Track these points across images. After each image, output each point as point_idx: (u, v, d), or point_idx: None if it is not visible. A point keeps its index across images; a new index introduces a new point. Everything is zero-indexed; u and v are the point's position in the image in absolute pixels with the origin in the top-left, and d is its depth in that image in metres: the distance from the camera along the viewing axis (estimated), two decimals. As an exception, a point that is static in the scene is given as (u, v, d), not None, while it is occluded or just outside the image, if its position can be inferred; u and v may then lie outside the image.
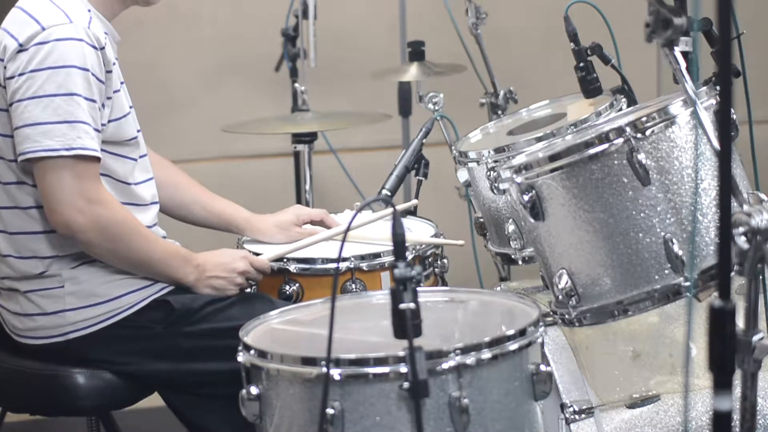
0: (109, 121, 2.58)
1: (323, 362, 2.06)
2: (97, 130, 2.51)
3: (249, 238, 2.98)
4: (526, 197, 2.41)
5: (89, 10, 2.59)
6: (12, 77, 2.49)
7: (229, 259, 2.69)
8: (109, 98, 2.56)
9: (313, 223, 2.99)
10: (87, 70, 2.49)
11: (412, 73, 3.81)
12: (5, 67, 2.51)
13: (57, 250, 2.59)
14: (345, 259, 2.75)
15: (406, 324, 1.94)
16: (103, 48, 2.54)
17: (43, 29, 2.49)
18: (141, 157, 2.70)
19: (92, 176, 2.51)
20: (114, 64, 2.59)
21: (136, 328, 2.62)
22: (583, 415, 2.54)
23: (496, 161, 2.76)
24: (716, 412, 1.65)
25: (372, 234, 2.90)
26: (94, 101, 2.50)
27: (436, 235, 2.95)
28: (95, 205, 2.49)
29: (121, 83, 2.64)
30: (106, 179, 2.59)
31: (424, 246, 2.87)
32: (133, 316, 2.61)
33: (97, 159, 2.51)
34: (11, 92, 2.50)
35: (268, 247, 2.89)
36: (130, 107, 2.66)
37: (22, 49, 2.49)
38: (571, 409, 2.53)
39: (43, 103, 2.46)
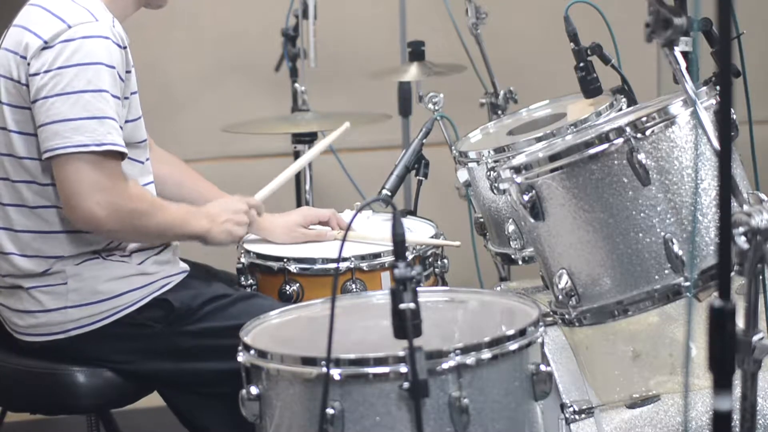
0: (126, 122, 2.58)
1: (323, 362, 2.06)
2: (121, 127, 2.53)
3: (251, 236, 2.98)
4: (526, 197, 2.42)
5: (107, 10, 2.60)
6: (36, 74, 2.49)
7: (229, 202, 2.78)
8: (126, 98, 2.58)
9: (321, 223, 2.99)
10: (113, 67, 2.50)
11: (412, 73, 3.81)
12: (28, 64, 2.51)
13: (62, 251, 2.59)
14: (345, 259, 2.75)
15: (406, 324, 1.94)
16: (126, 47, 2.56)
17: (69, 27, 2.50)
18: (146, 159, 2.71)
19: (115, 171, 2.52)
20: (133, 66, 2.60)
21: (136, 326, 2.62)
22: (583, 415, 2.54)
23: (496, 161, 2.76)
24: (716, 412, 1.65)
25: (372, 234, 2.90)
26: (118, 98, 2.52)
27: (435, 236, 2.95)
28: (115, 197, 2.50)
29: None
30: None
31: (421, 246, 2.87)
32: (134, 314, 2.62)
33: (124, 155, 2.53)
34: (36, 89, 2.49)
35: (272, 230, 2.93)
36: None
37: (47, 46, 2.49)
38: (571, 409, 2.53)
39: (72, 100, 2.47)
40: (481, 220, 2.98)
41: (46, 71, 2.48)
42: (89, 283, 2.60)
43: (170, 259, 2.72)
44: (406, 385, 1.99)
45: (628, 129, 2.32)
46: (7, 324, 2.69)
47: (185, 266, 2.74)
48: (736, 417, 1.72)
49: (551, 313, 2.52)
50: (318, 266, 2.80)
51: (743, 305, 1.74)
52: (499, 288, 2.93)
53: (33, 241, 2.59)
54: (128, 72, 2.57)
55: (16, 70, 2.54)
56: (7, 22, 2.67)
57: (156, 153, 2.91)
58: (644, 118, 2.33)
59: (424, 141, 3.16)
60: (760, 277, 1.74)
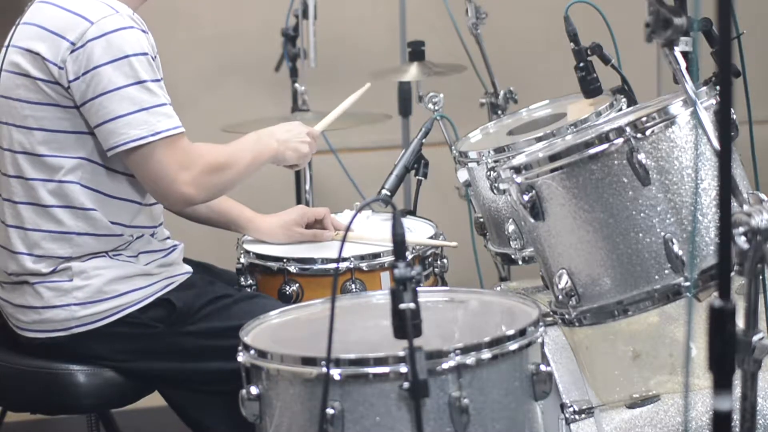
0: None
1: (323, 362, 2.06)
2: (171, 105, 2.56)
3: (250, 237, 2.99)
4: (526, 197, 2.41)
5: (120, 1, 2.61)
6: (76, 78, 2.50)
7: (293, 124, 2.82)
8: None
9: (317, 222, 2.99)
10: (146, 54, 2.53)
11: (412, 73, 3.81)
12: (60, 68, 2.51)
13: (72, 252, 2.59)
14: (345, 259, 2.75)
15: (406, 324, 1.94)
16: (148, 33, 2.58)
17: (92, 23, 2.50)
18: None
19: (183, 146, 2.56)
20: (156, 52, 2.61)
21: (138, 325, 2.62)
22: (583, 415, 2.54)
23: (496, 161, 2.76)
24: (716, 412, 1.65)
25: (371, 234, 2.90)
26: (159, 80, 2.55)
27: (434, 236, 2.95)
28: (196, 170, 2.55)
29: None
30: (128, 178, 2.61)
31: (420, 247, 2.87)
32: (137, 313, 2.62)
33: (182, 133, 2.55)
34: (80, 93, 2.51)
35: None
36: None
37: (76, 47, 2.50)
38: (571, 409, 2.53)
39: (117, 96, 2.49)
40: (481, 220, 2.98)
41: (84, 73, 2.49)
42: (94, 281, 2.60)
43: (175, 260, 2.72)
44: (406, 385, 1.99)
45: (628, 129, 2.32)
46: (9, 320, 2.69)
47: (188, 267, 2.74)
48: (736, 417, 1.72)
49: (551, 313, 2.52)
50: (317, 266, 2.80)
51: (743, 305, 1.74)
52: (499, 288, 2.93)
53: (43, 241, 2.59)
54: (154, 57, 2.59)
55: (35, 68, 2.54)
56: (8, 22, 2.67)
57: None
58: (644, 118, 2.33)
59: (423, 141, 3.16)
60: (760, 277, 1.74)
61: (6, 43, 2.65)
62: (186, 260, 2.78)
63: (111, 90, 2.49)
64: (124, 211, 2.63)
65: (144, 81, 2.51)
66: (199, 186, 2.56)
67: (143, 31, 2.56)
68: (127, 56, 2.49)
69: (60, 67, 2.51)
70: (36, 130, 2.56)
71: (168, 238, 2.76)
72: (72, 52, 2.50)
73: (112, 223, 2.60)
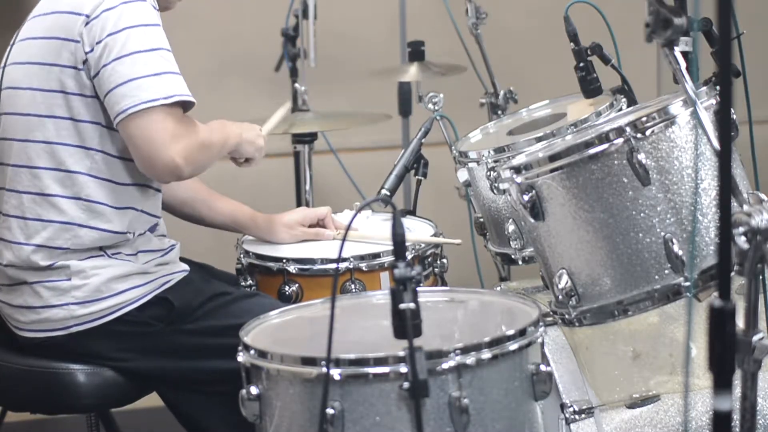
0: None
1: (323, 362, 2.06)
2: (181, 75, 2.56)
3: (250, 237, 2.98)
4: (526, 197, 2.41)
5: None
6: (91, 50, 2.52)
7: (245, 123, 2.80)
8: None
9: (318, 222, 3.00)
10: (158, 24, 2.56)
11: (412, 73, 3.81)
12: (82, 42, 2.52)
13: (72, 243, 2.59)
14: (344, 260, 2.75)
15: (406, 324, 1.94)
16: (159, 11, 2.61)
17: None
18: None
19: (186, 119, 2.56)
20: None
21: (136, 324, 2.62)
22: (583, 415, 2.54)
23: (496, 161, 2.76)
24: (716, 412, 1.65)
25: (371, 232, 2.90)
26: (170, 51, 2.56)
27: (435, 235, 2.95)
28: (190, 143, 2.53)
29: None
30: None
31: (422, 246, 2.87)
32: (135, 312, 2.62)
33: (191, 103, 2.56)
34: (95, 62, 2.52)
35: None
36: None
37: (90, 19, 2.52)
38: (571, 409, 2.53)
39: (129, 61, 2.50)
40: (481, 220, 2.98)
41: (99, 42, 2.51)
42: (92, 280, 2.60)
43: (172, 259, 2.72)
44: (406, 385, 1.99)
45: (628, 129, 2.32)
46: (8, 320, 2.69)
47: (185, 266, 2.74)
48: (736, 417, 1.72)
49: (551, 313, 2.52)
50: (317, 267, 2.80)
51: (743, 305, 1.73)
52: (499, 288, 2.93)
53: (43, 231, 2.59)
54: None
55: (53, 53, 2.56)
56: (10, 21, 2.68)
57: None
58: (644, 118, 2.33)
59: (423, 141, 3.17)
60: (760, 277, 1.74)
61: (13, 41, 2.66)
62: (186, 261, 2.78)
63: (123, 55, 2.50)
64: (135, 198, 2.63)
65: (158, 48, 2.52)
66: (188, 159, 2.52)
67: (155, 8, 2.59)
68: (140, 25, 2.52)
69: (76, 42, 2.53)
70: (46, 117, 2.57)
71: (165, 236, 2.76)
72: (87, 24, 2.52)
73: (120, 209, 2.60)
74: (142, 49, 2.51)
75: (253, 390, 2.17)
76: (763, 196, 2.03)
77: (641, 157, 2.30)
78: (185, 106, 2.56)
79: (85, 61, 2.53)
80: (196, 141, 2.55)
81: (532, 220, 2.44)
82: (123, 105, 2.49)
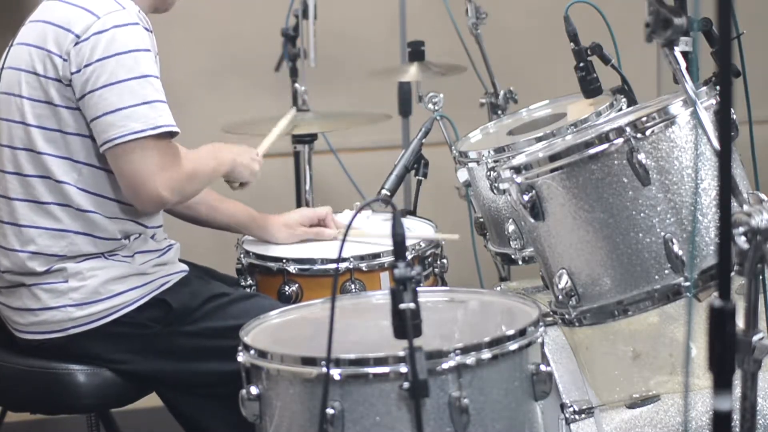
0: None
1: (323, 362, 2.06)
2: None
3: (251, 237, 2.98)
4: (526, 197, 2.41)
5: None
6: (78, 71, 2.51)
7: (242, 146, 2.85)
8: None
9: (319, 222, 3.00)
10: (149, 50, 2.54)
11: (412, 73, 3.81)
12: (65, 60, 2.52)
13: (68, 250, 2.59)
14: (344, 260, 2.75)
15: (406, 324, 1.93)
16: (152, 32, 2.60)
17: (99, 18, 2.52)
18: None
19: (172, 149, 2.57)
20: (156, 53, 2.63)
21: (134, 325, 2.62)
22: (583, 415, 2.54)
23: (496, 161, 2.76)
24: (716, 412, 1.65)
25: (371, 231, 2.91)
26: (159, 78, 2.56)
27: (434, 234, 2.96)
28: (176, 174, 2.54)
29: None
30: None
31: (422, 246, 2.87)
32: (133, 313, 2.62)
33: (176, 133, 2.56)
34: (81, 85, 2.51)
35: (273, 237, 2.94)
36: None
37: (80, 40, 2.51)
38: (571, 409, 2.53)
39: (118, 89, 2.49)
40: (481, 220, 2.98)
41: (87, 65, 2.50)
42: (89, 282, 2.60)
43: (170, 260, 2.72)
44: (406, 385, 1.99)
45: (628, 129, 2.32)
46: (7, 323, 2.69)
47: (184, 266, 2.74)
48: (736, 417, 1.72)
49: (551, 313, 2.52)
50: (317, 267, 2.80)
51: (743, 305, 1.73)
52: (499, 288, 2.93)
53: (37, 238, 2.59)
54: (155, 57, 2.60)
55: (41, 64, 2.55)
56: (10, 22, 2.68)
57: None
58: (644, 118, 2.33)
59: (423, 141, 3.17)
60: (760, 277, 1.74)
61: (11, 42, 2.66)
62: (187, 263, 2.77)
63: (113, 83, 2.50)
64: (127, 210, 2.63)
65: (147, 76, 2.52)
66: (174, 190, 2.54)
67: (147, 30, 2.57)
68: (130, 51, 2.51)
69: (64, 59, 2.52)
70: (34, 127, 2.57)
71: (165, 237, 2.76)
72: (76, 44, 2.52)
73: (112, 219, 2.60)
74: (132, 76, 2.50)
75: (253, 390, 2.17)
76: (763, 196, 2.03)
77: (641, 157, 2.30)
78: (172, 133, 2.56)
79: (70, 81, 2.53)
80: (182, 172, 2.56)
81: (532, 220, 2.44)
82: (111, 134, 2.50)
